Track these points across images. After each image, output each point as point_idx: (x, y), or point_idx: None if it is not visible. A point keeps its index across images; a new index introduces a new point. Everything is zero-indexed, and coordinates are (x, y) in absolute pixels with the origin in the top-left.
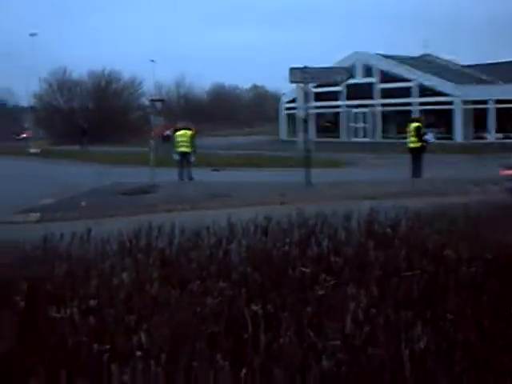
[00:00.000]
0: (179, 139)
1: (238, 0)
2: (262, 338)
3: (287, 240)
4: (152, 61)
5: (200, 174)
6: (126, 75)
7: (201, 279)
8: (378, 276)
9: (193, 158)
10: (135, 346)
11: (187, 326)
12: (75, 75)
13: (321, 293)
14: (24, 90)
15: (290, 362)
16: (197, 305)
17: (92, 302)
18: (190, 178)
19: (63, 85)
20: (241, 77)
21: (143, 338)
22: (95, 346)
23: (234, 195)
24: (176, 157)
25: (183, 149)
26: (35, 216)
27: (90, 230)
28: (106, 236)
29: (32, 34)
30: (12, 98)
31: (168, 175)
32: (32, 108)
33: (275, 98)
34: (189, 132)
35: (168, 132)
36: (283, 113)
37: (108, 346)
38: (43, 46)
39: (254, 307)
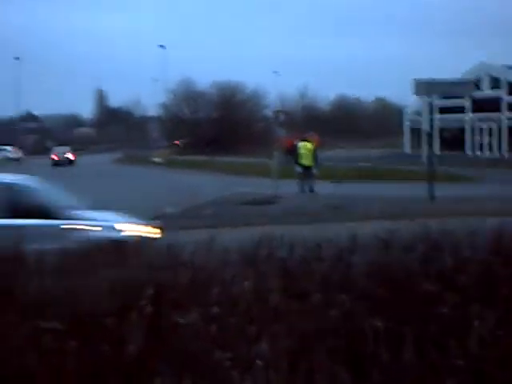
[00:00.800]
0: (301, 151)
1: (362, 13)
2: (383, 353)
3: (410, 255)
4: (275, 72)
5: (321, 187)
6: (250, 86)
7: (322, 291)
8: (506, 295)
9: (315, 171)
10: (256, 354)
11: (308, 338)
12: (201, 86)
13: (444, 311)
14: (151, 101)
15: (412, 379)
16: (318, 317)
17: (215, 310)
18: (311, 191)
19: (189, 95)
20: (364, 89)
21: (264, 348)
22: (217, 352)
23: (356, 208)
24: (298, 169)
25: (305, 161)
26: (157, 224)
27: (212, 239)
28: (227, 245)
29: (161, 46)
30: (139, 107)
31: (289, 187)
32: (158, 118)
33: (398, 111)
34: (311, 144)
35: (292, 143)
36: (406, 126)
37: (230, 354)
38: (171, 57)
39: (376, 322)
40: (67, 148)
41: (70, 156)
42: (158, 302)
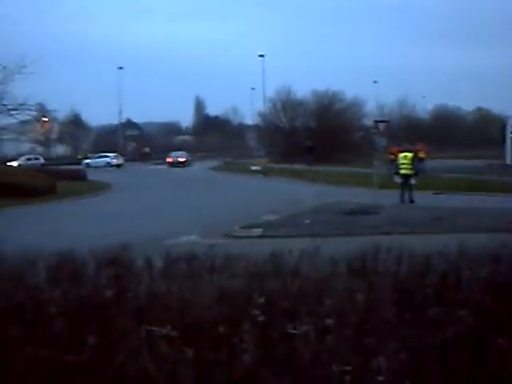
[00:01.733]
0: (401, 161)
1: (462, 22)
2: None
3: None
4: (375, 82)
5: (421, 197)
6: (349, 95)
7: (437, 305)
8: None
9: (413, 181)
10: (374, 369)
11: (426, 353)
12: (299, 95)
13: None
14: (249, 109)
15: None
16: (436, 332)
17: (328, 321)
18: (412, 201)
19: (287, 104)
20: (464, 98)
21: (382, 362)
22: (334, 366)
23: (458, 220)
24: (397, 179)
25: (405, 171)
26: (258, 231)
27: (317, 248)
28: (331, 255)
29: (260, 56)
30: (237, 115)
31: (390, 197)
32: (256, 126)
33: (500, 121)
34: (410, 154)
35: (393, 153)
36: (509, 136)
37: (349, 368)
38: (270, 65)
39: (499, 340)
40: (181, 153)
41: (182, 159)
42: (269, 311)
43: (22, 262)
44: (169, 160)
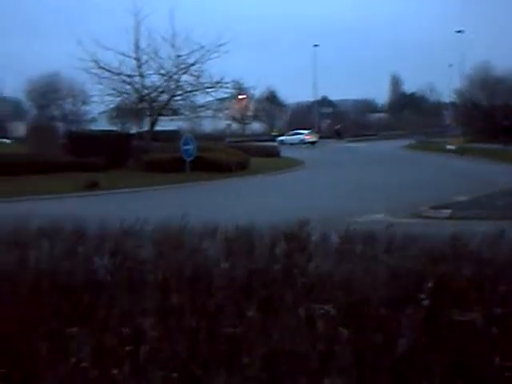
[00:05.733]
0: None
1: None
2: None
3: None
4: None
5: None
6: None
7: None
8: None
9: None
10: None
11: None
12: (499, 72)
13: None
14: (446, 86)
15: None
16: None
17: (498, 310)
18: None
19: (485, 81)
20: None
21: None
22: (497, 359)
23: None
24: None
25: None
26: (446, 212)
27: (502, 231)
28: None
29: (458, 31)
30: (433, 93)
31: None
32: (452, 104)
33: None
34: None
35: None
36: None
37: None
38: (468, 42)
39: None
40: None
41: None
42: (438, 296)
43: (202, 234)
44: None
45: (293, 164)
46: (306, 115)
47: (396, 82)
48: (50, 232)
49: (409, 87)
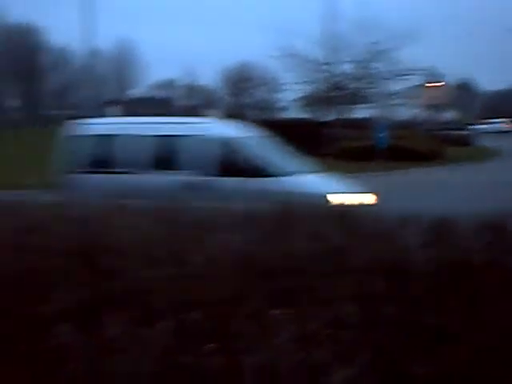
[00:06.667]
0: None
1: None
2: None
3: None
4: None
5: None
6: None
7: None
8: None
9: None
10: None
11: None
12: None
13: None
14: None
15: None
16: None
17: None
18: None
19: None
20: None
21: None
22: None
23: None
24: None
25: None
26: None
27: None
28: None
29: None
30: None
31: None
32: None
33: None
34: None
35: None
36: None
37: None
38: None
39: None
40: None
41: None
42: None
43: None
44: None
45: (489, 154)
46: (504, 103)
47: None
48: None
49: None
